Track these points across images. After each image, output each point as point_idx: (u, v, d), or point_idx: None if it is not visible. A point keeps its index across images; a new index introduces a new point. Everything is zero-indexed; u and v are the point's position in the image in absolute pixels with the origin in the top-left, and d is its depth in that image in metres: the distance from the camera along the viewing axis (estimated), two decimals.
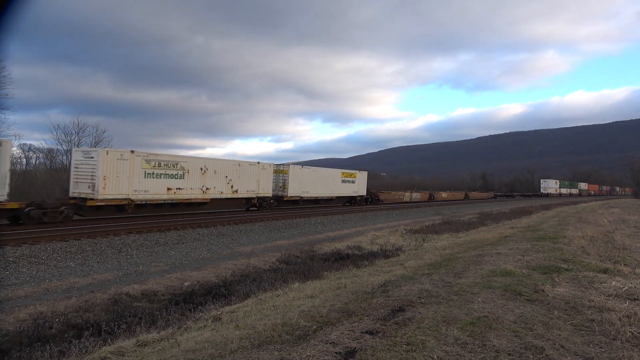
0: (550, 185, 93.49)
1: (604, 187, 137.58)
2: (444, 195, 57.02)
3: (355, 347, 3.36)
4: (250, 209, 24.40)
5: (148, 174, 18.16)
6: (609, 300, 4.93)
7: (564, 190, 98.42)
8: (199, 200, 20.67)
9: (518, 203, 49.05)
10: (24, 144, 57.59)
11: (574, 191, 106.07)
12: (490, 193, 74.95)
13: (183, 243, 13.67)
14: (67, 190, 18.17)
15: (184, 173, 19.67)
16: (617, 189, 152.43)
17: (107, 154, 17.14)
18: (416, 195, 49.24)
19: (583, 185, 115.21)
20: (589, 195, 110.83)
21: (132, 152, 17.79)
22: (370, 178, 43.44)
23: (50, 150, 51.29)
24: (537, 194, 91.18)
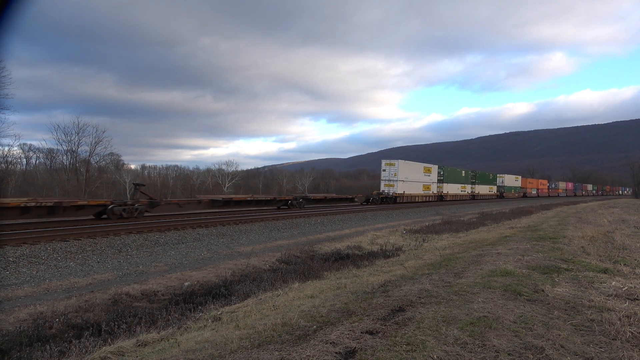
0: (407, 175, 38.81)
1: (560, 184, 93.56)
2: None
3: (355, 347, 3.36)
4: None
5: None
6: (609, 300, 4.93)
7: (454, 188, 48.69)
8: None
9: (516, 204, 48.98)
10: (24, 144, 57.78)
11: (486, 190, 57.84)
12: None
13: (183, 243, 13.67)
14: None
15: None
16: (590, 187, 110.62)
17: None
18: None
19: (511, 180, 67.65)
20: (524, 196, 70.41)
21: None
22: (370, 178, 43.16)
23: (50, 150, 51.48)
24: (347, 197, 35.27)
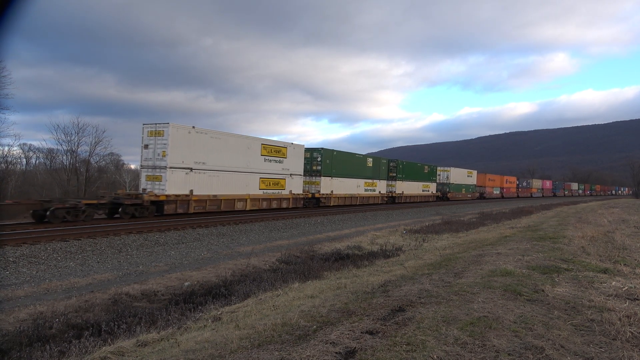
0: (205, 157, 18.38)
1: (534, 182, 76.55)
2: None
3: (355, 347, 3.36)
4: None
5: None
6: (609, 300, 4.93)
7: (347, 186, 29.62)
8: None
9: (515, 204, 48.98)
10: (24, 144, 57.84)
11: (418, 188, 40.14)
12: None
13: (183, 243, 13.67)
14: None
15: None
16: (576, 186, 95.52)
17: None
18: None
19: (461, 176, 49.82)
20: (481, 197, 54.69)
21: None
22: None
23: (50, 150, 51.52)
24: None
